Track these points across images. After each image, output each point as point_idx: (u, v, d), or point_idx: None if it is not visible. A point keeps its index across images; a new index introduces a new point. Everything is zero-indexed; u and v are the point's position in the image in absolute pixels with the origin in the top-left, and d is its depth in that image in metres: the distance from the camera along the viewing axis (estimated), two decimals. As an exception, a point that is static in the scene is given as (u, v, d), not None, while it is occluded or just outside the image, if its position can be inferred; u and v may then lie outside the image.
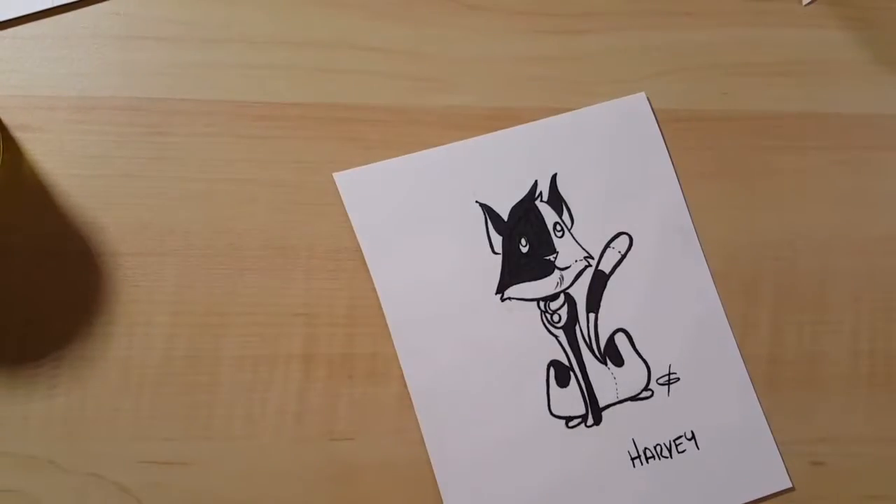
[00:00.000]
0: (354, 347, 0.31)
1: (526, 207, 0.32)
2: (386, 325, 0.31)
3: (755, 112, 0.34)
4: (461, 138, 0.33)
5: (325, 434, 0.30)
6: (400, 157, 0.32)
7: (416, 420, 0.31)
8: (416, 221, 0.32)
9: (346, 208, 0.32)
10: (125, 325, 0.31)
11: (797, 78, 0.35)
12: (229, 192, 0.32)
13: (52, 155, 0.32)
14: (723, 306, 0.32)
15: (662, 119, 0.34)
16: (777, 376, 0.32)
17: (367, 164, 0.32)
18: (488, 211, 0.32)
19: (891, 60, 0.35)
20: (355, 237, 0.32)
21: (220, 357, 0.31)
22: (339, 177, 0.32)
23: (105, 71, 0.32)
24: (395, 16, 0.34)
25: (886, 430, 0.32)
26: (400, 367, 0.31)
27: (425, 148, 0.33)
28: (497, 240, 0.32)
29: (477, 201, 0.32)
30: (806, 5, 0.35)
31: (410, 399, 0.31)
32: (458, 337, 0.31)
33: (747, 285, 0.33)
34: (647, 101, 0.33)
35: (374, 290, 0.31)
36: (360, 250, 0.32)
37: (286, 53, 0.33)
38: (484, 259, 0.32)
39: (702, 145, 0.34)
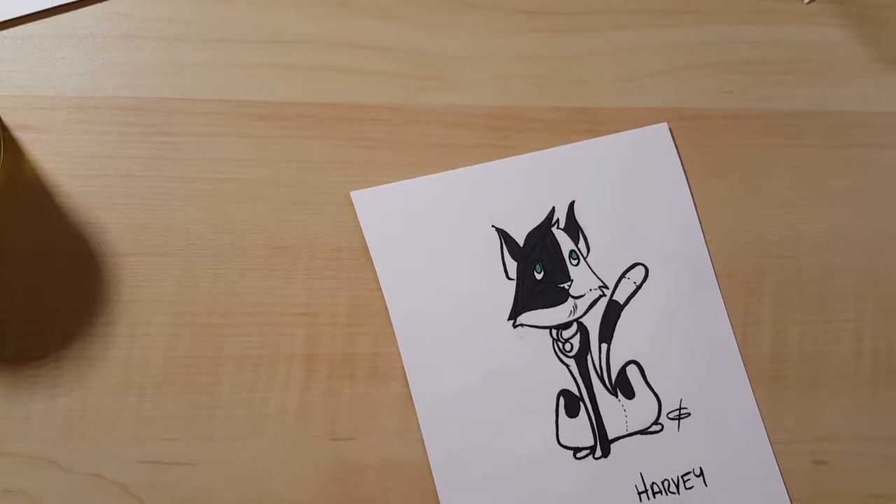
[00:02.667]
0: (356, 347, 0.31)
1: (542, 234, 0.32)
2: (387, 324, 0.31)
3: (757, 110, 0.34)
4: (462, 137, 0.33)
5: (326, 434, 0.30)
6: (418, 178, 0.32)
7: (418, 419, 0.31)
8: (431, 243, 0.31)
9: (362, 227, 0.31)
10: (126, 325, 0.31)
11: (799, 76, 0.34)
12: (230, 191, 0.32)
13: (52, 155, 0.32)
14: (735, 339, 0.32)
15: (664, 118, 0.34)
16: (779, 375, 0.32)
17: (367, 162, 0.32)
18: (504, 236, 0.32)
19: (892, 58, 0.35)
20: (356, 236, 0.32)
21: (221, 357, 0.31)
22: (356, 195, 0.32)
23: (106, 71, 0.32)
24: (396, 15, 0.34)
25: (889, 429, 0.32)
26: (401, 367, 0.31)
27: (426, 148, 0.33)
28: (512, 265, 0.32)
29: (493, 226, 0.32)
30: (807, 4, 0.35)
31: (412, 399, 0.31)
32: (468, 361, 0.31)
33: (749, 284, 0.33)
34: (668, 132, 0.33)
35: (375, 289, 0.31)
36: (361, 249, 0.32)
37: (286, 53, 0.33)
38: (498, 284, 0.31)
39: (703, 143, 0.34)
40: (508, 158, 0.32)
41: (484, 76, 0.33)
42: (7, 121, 0.32)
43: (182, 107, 0.32)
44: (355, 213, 0.32)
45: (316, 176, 0.32)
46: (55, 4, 0.32)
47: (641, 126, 0.33)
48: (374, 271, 0.31)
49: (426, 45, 0.34)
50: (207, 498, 0.30)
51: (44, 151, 0.32)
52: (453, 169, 0.33)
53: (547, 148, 0.33)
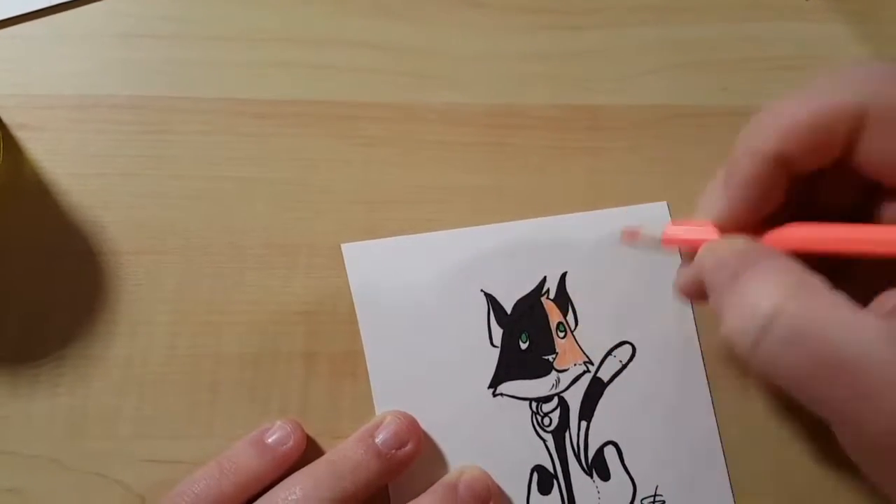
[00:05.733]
0: (356, 345, 0.31)
1: (531, 303, 0.31)
2: (387, 322, 0.31)
3: (756, 107, 0.34)
4: (462, 135, 0.33)
5: (327, 432, 0.31)
6: (411, 236, 0.31)
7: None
8: (418, 303, 0.31)
9: (349, 280, 0.31)
10: (127, 323, 0.31)
11: (798, 73, 0.34)
12: (230, 190, 0.32)
13: (51, 154, 0.32)
14: (720, 438, 0.31)
15: (664, 115, 0.34)
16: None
17: (367, 161, 0.32)
18: (493, 301, 0.31)
19: (892, 55, 0.35)
20: (356, 234, 0.32)
21: (221, 355, 0.31)
22: (346, 248, 0.31)
23: (104, 69, 0.32)
24: (395, 12, 0.34)
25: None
26: (402, 365, 0.31)
27: (426, 146, 0.33)
28: (497, 332, 0.31)
29: (482, 290, 0.31)
30: (807, 0, 0.35)
31: (412, 396, 0.31)
32: (443, 426, 0.30)
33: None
34: (667, 210, 0.33)
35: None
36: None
37: (285, 50, 0.33)
38: (481, 351, 0.31)
39: (702, 141, 0.34)
40: (503, 223, 0.32)
41: (483, 74, 0.33)
42: (5, 120, 0.32)
43: (181, 105, 0.32)
44: (355, 212, 0.32)
45: (315, 174, 0.32)
46: (53, 3, 0.32)
47: (641, 125, 0.33)
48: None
49: (426, 43, 0.34)
50: (209, 496, 0.30)
51: (42, 150, 0.32)
52: (452, 169, 0.33)
53: (547, 146, 0.33)
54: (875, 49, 0.35)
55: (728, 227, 0.26)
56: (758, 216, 0.25)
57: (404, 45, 0.34)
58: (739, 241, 0.25)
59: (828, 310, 0.20)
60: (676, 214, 0.33)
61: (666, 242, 0.29)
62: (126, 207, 0.31)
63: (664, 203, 0.33)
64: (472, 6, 0.34)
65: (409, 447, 0.29)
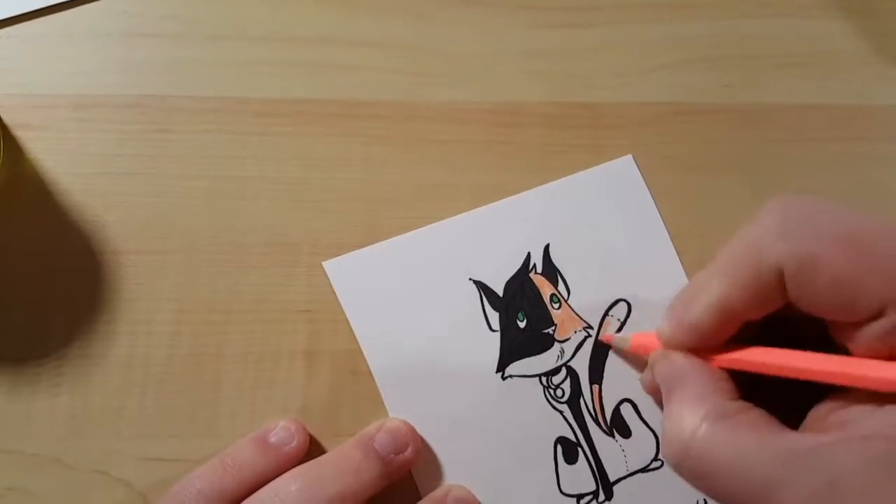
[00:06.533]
0: (357, 343, 0.31)
1: (521, 281, 0.31)
2: (389, 321, 0.31)
3: (757, 104, 0.34)
4: (462, 133, 0.33)
5: (329, 430, 0.30)
6: (388, 240, 0.31)
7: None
8: (410, 304, 0.31)
9: (338, 297, 0.31)
10: (128, 323, 0.31)
11: (800, 69, 0.34)
12: (231, 189, 0.32)
13: (52, 153, 0.32)
14: None
15: (665, 113, 0.34)
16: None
17: (367, 159, 0.32)
18: (483, 288, 0.31)
19: (892, 50, 0.35)
20: (356, 233, 0.32)
21: (223, 354, 0.31)
22: (328, 265, 0.31)
23: (105, 69, 0.32)
24: (396, 11, 0.34)
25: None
26: (403, 363, 0.31)
27: (427, 144, 0.33)
28: (494, 316, 0.31)
29: (471, 279, 0.31)
30: (808, -4, 0.35)
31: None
32: (460, 419, 0.30)
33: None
34: (634, 164, 0.33)
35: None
36: (363, 245, 0.32)
37: (286, 49, 0.33)
38: (482, 338, 0.31)
39: (703, 138, 0.34)
40: (477, 209, 0.32)
41: (485, 72, 0.33)
42: (6, 120, 0.32)
43: (182, 104, 0.32)
44: (355, 211, 0.32)
45: (316, 172, 0.32)
46: (53, 3, 0.32)
47: (642, 123, 0.33)
48: (376, 268, 0.31)
49: (426, 41, 0.34)
50: (211, 495, 0.30)
51: (43, 150, 0.32)
52: (453, 167, 0.33)
53: (548, 144, 0.33)
54: (874, 44, 0.35)
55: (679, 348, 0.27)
56: (707, 347, 0.26)
57: (405, 43, 0.33)
58: (676, 358, 0.26)
59: (732, 441, 0.22)
60: (677, 211, 0.33)
61: (633, 349, 0.30)
62: (127, 207, 0.31)
63: (629, 157, 0.33)
64: (472, 4, 0.34)
65: (407, 452, 0.29)
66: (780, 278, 0.23)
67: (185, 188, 0.32)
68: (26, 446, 0.30)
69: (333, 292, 0.31)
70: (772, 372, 0.24)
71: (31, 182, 0.31)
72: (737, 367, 0.25)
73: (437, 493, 0.30)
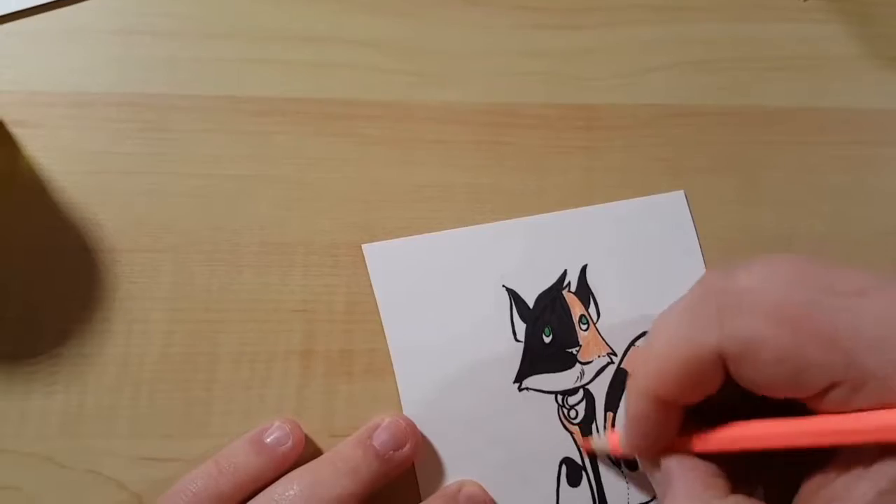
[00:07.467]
0: (353, 343, 0.31)
1: (553, 296, 0.31)
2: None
3: (753, 107, 0.34)
4: (459, 133, 0.33)
5: (323, 430, 0.30)
6: (428, 234, 0.32)
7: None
8: (440, 299, 0.31)
9: (372, 280, 0.31)
10: (123, 321, 0.31)
11: (796, 73, 0.35)
12: (227, 188, 0.32)
13: (48, 151, 0.31)
14: None
15: (661, 114, 0.34)
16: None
17: (363, 159, 0.32)
18: (514, 297, 0.31)
19: (890, 55, 0.35)
20: (352, 233, 0.32)
21: (217, 354, 0.31)
22: (367, 248, 0.31)
23: (102, 66, 0.32)
24: (393, 11, 0.34)
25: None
26: (398, 363, 0.31)
27: (423, 144, 0.33)
28: (521, 327, 0.31)
29: (504, 286, 0.31)
30: (804, 0, 0.35)
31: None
32: (470, 422, 0.30)
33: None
34: (685, 199, 0.33)
35: (372, 285, 0.31)
36: (357, 246, 0.32)
37: (283, 48, 0.33)
38: (505, 346, 0.31)
39: (700, 140, 0.34)
40: (523, 218, 0.32)
41: (481, 73, 0.33)
42: (2, 117, 0.32)
43: (178, 103, 0.32)
44: (352, 210, 0.32)
45: (312, 172, 0.32)
46: (50, 0, 0.32)
47: (638, 124, 0.33)
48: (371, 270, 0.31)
49: (423, 42, 0.34)
50: (205, 494, 0.30)
51: (39, 147, 0.31)
52: (450, 168, 0.33)
53: (544, 145, 0.33)
54: (872, 49, 0.35)
55: (633, 454, 0.27)
56: (662, 442, 0.25)
57: (402, 43, 0.34)
58: (663, 460, 0.25)
59: None
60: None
61: (613, 451, 0.29)
62: (123, 205, 0.31)
63: (681, 192, 0.33)
64: (469, 5, 0.34)
65: (406, 449, 0.29)
66: (717, 363, 0.23)
67: (180, 186, 0.32)
68: (20, 445, 0.30)
69: (330, 292, 0.31)
70: (754, 445, 0.24)
71: (26, 179, 0.31)
72: (716, 449, 0.24)
73: (450, 488, 0.30)
